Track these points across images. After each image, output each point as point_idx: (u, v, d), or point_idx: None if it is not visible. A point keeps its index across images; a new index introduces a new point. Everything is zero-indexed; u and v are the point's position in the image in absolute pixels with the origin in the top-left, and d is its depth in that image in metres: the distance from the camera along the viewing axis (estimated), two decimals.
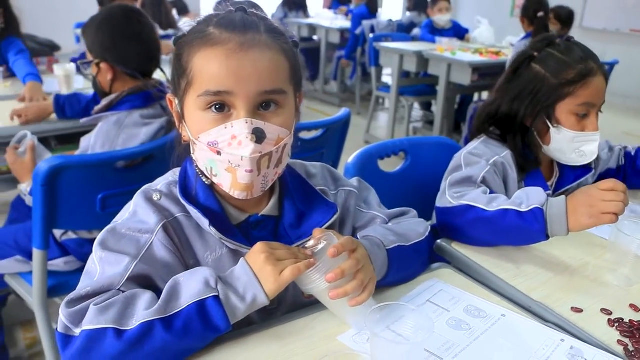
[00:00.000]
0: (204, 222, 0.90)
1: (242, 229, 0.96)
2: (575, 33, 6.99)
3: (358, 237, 1.02)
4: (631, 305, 1.02)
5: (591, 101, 1.31)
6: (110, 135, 1.67)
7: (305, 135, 1.92)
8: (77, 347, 0.78)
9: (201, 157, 0.90)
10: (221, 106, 0.85)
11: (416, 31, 5.58)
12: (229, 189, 0.89)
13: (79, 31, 4.23)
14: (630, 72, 4.31)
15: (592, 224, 1.07)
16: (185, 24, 0.92)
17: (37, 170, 1.40)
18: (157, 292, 0.85)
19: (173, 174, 0.99)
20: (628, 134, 3.69)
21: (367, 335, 0.89)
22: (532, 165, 1.38)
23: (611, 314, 0.99)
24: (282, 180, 1.00)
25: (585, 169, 1.45)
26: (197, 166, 0.94)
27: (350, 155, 1.54)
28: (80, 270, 1.02)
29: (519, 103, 1.37)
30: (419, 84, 5.04)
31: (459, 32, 5.31)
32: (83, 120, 1.80)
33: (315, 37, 6.46)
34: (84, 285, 0.84)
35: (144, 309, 0.79)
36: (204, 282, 0.82)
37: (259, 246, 0.86)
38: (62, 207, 1.48)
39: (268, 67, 0.85)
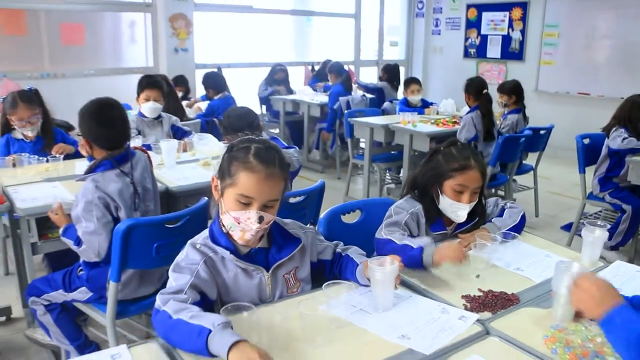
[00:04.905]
0: (226, 253, 1.62)
1: (247, 256, 1.67)
2: (532, 96, 8.15)
3: (322, 259, 1.80)
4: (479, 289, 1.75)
5: (465, 184, 2.03)
6: (89, 189, 2.26)
7: (292, 200, 2.66)
8: (156, 316, 1.45)
9: (226, 220, 1.62)
10: (246, 202, 1.56)
11: (386, 104, 6.38)
12: (238, 239, 1.60)
13: None
14: (581, 129, 5.08)
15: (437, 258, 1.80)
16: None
17: (117, 229, 2.14)
18: (204, 296, 1.57)
19: (205, 233, 1.68)
20: (578, 185, 4.43)
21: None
22: (434, 215, 2.13)
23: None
24: (271, 228, 1.71)
25: (473, 219, 2.17)
26: (221, 221, 1.65)
27: None
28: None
29: (427, 175, 2.14)
30: (389, 152, 5.78)
31: (426, 106, 6.16)
32: (77, 179, 2.40)
33: (299, 112, 7.26)
34: (169, 286, 1.55)
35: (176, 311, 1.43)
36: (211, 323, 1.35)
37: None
38: (131, 253, 2.20)
39: (275, 190, 1.58)
